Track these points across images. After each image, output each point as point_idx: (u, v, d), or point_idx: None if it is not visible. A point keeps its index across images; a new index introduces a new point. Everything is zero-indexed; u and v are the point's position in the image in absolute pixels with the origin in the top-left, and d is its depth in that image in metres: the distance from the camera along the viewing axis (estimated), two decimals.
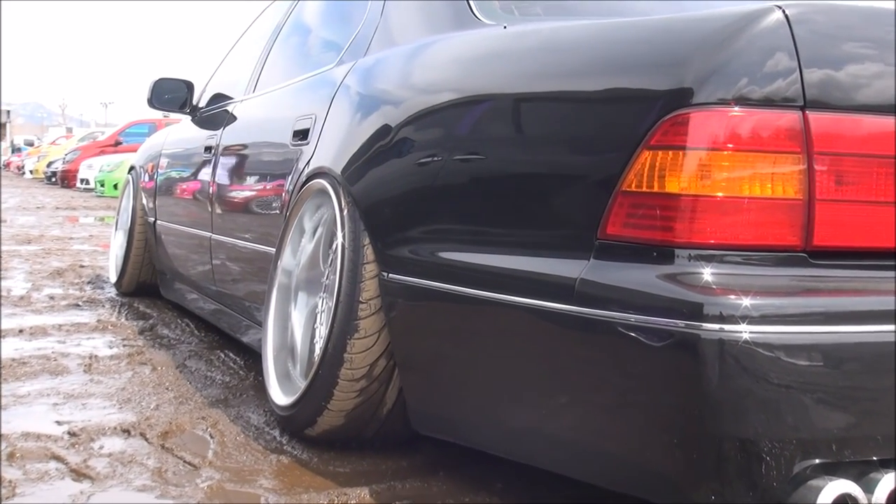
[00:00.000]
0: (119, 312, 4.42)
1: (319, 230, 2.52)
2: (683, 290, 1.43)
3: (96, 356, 3.36)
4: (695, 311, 1.39)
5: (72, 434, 2.39)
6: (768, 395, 1.38)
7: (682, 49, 1.53)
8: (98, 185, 17.91)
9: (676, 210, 1.47)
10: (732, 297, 1.40)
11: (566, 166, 1.68)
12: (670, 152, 1.48)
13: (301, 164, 2.64)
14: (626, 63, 1.64)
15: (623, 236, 1.53)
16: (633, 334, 1.46)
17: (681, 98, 1.48)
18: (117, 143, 20.78)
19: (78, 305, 4.56)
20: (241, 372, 3.18)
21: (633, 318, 1.46)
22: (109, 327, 3.99)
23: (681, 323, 1.40)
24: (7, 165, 38.02)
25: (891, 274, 1.52)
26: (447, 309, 1.92)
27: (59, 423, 2.50)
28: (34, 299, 4.66)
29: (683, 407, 1.42)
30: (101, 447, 2.31)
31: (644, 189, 1.50)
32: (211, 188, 3.61)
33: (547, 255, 1.66)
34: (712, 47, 1.48)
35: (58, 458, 2.21)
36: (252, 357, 3.35)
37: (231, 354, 3.46)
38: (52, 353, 3.39)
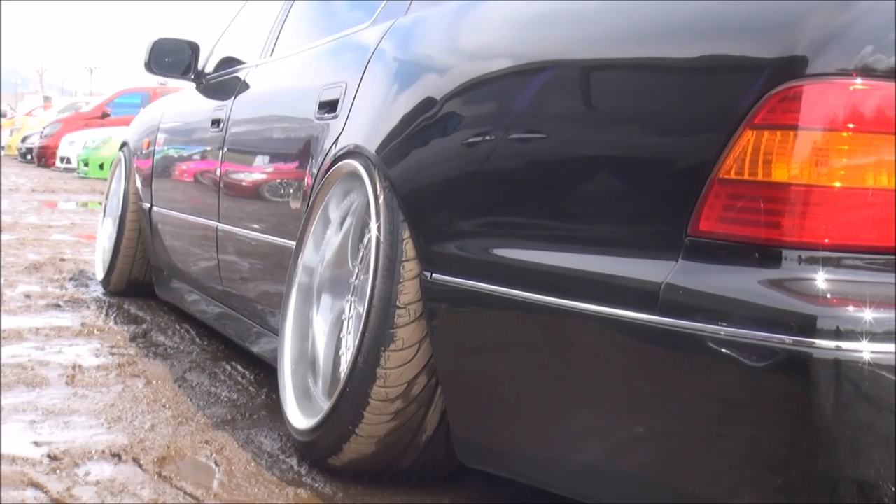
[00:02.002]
0: (107, 315, 4.46)
1: (348, 220, 2.52)
2: (792, 298, 1.41)
3: (80, 366, 3.39)
4: (805, 325, 1.38)
5: (53, 457, 2.41)
6: (894, 430, 1.36)
7: (794, 8, 1.51)
8: (81, 164, 18.10)
9: (785, 202, 1.46)
10: (851, 308, 1.39)
11: (648, 149, 1.67)
12: (778, 133, 1.46)
13: (328, 142, 2.64)
14: (724, 24, 1.62)
15: (718, 233, 1.51)
16: (728, 351, 1.45)
17: (792, 68, 1.46)
18: (104, 116, 20.99)
19: (58, 306, 4.60)
20: (251, 388, 3.20)
21: (729, 331, 1.44)
22: (96, 332, 4.03)
23: (788, 339, 1.39)
24: None
25: None
26: (502, 317, 1.91)
27: (37, 444, 2.53)
28: (7, 298, 4.72)
29: (789, 441, 1.40)
30: (87, 474, 2.32)
31: (745, 177, 1.49)
32: (218, 169, 3.64)
33: (625, 254, 1.64)
34: (831, 7, 1.47)
35: (37, 486, 2.23)
36: (265, 370, 3.37)
37: (239, 367, 3.48)
38: (29, 361, 3.43)
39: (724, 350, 1.45)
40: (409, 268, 2.15)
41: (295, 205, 2.83)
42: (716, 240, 1.52)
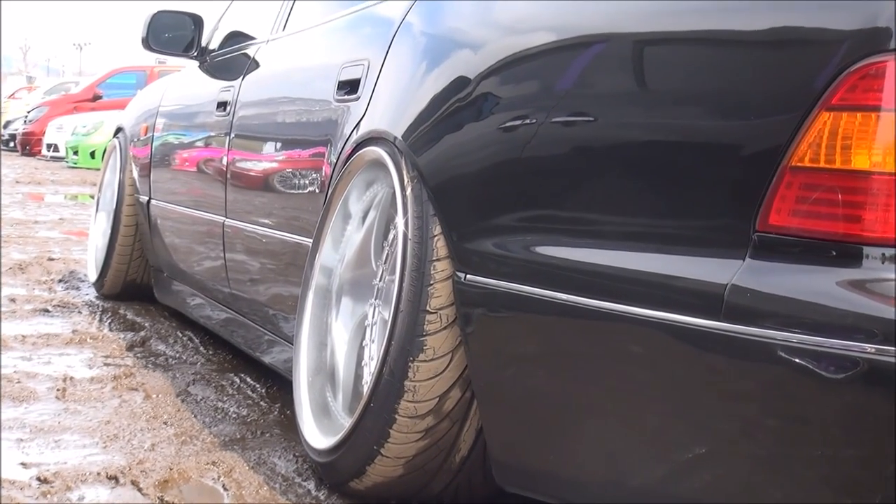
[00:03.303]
0: (101, 321, 4.49)
1: (371, 215, 2.53)
2: (874, 302, 1.41)
3: (72, 378, 3.41)
4: (890, 332, 1.37)
5: (43, 480, 2.43)
6: None
7: None
8: (70, 152, 18.21)
9: (866, 193, 1.45)
10: None
11: (709, 133, 1.67)
12: (858, 115, 1.46)
13: (348, 127, 2.65)
14: None
15: (791, 228, 1.51)
16: (801, 362, 1.44)
17: (873, 41, 1.45)
18: (96, 98, 21.10)
19: (47, 311, 4.64)
20: (262, 403, 3.21)
21: (803, 339, 1.44)
22: (88, 340, 4.06)
23: (870, 347, 1.38)
24: None
25: None
26: (545, 323, 1.91)
27: (25, 465, 2.55)
28: None
29: (872, 463, 1.40)
30: (81, 499, 2.34)
31: (821, 164, 1.48)
32: (225, 158, 3.65)
33: (684, 252, 1.64)
34: None
35: None
36: (278, 383, 3.38)
37: (249, 379, 3.50)
38: (15, 372, 3.46)
39: (797, 360, 1.45)
40: (441, 268, 2.15)
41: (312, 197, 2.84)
42: (788, 235, 1.51)
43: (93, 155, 17.10)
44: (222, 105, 3.81)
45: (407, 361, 2.15)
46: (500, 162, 2.04)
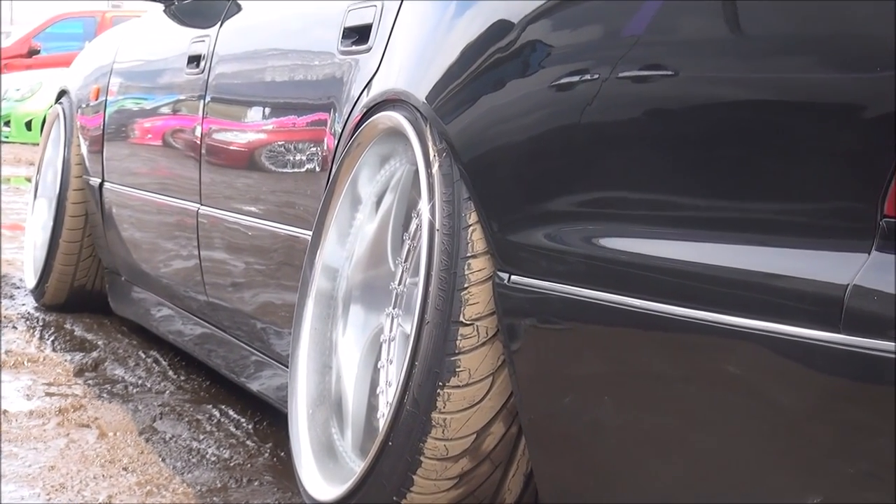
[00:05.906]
0: (41, 339, 4.51)
1: (388, 199, 2.53)
2: None
3: (6, 412, 3.43)
4: None
5: None
6: None
7: None
8: (2, 122, 18.27)
9: None
10: None
11: (821, 91, 1.66)
12: None
13: (356, 86, 2.65)
14: None
15: None
16: None
17: None
18: (32, 53, 21.16)
19: None
20: (249, 442, 3.22)
21: None
22: (26, 363, 4.07)
23: None
24: None
25: None
26: (614, 337, 1.91)
27: None
28: None
29: None
30: None
31: None
32: (199, 128, 3.65)
33: (791, 244, 1.64)
34: None
35: None
36: (269, 416, 3.39)
37: (231, 412, 3.50)
38: None
39: None
40: (477, 267, 2.15)
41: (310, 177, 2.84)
42: None
43: (29, 126, 17.16)
44: (195, 60, 3.82)
45: (435, 388, 2.15)
46: (554, 129, 2.04)
